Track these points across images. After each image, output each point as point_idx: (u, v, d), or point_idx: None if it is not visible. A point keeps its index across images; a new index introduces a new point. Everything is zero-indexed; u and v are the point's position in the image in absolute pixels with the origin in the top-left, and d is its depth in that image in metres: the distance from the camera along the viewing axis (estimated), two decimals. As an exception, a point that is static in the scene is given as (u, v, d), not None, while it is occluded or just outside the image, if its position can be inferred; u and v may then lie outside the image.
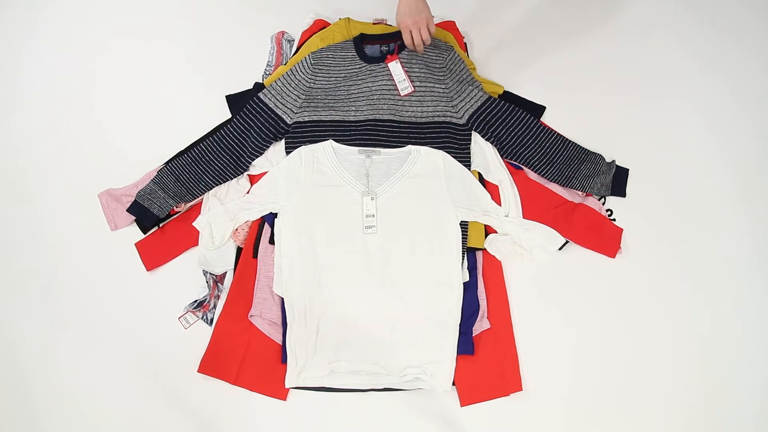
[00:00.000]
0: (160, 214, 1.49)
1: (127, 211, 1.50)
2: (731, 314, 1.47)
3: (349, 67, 1.54)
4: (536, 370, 1.40)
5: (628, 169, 1.57)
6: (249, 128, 1.51)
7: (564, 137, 1.55)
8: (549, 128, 1.55)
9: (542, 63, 1.74)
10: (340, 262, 1.40)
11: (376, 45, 1.58)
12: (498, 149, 1.53)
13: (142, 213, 1.49)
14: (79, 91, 1.73)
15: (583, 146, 1.56)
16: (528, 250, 1.47)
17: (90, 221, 1.55)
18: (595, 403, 1.39)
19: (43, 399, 1.40)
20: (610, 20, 1.82)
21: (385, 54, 1.57)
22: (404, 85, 1.50)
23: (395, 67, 1.51)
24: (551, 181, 1.53)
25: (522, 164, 1.54)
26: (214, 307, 1.46)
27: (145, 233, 1.54)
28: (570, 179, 1.52)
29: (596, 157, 1.55)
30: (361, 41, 1.56)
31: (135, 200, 1.49)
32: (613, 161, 1.56)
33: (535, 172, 1.53)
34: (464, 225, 1.45)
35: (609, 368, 1.41)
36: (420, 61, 1.53)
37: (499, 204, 1.51)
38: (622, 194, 1.56)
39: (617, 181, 1.55)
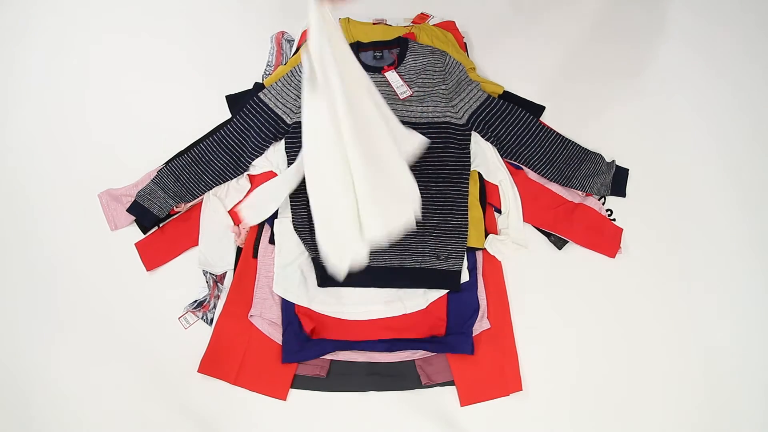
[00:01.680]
0: (160, 214, 1.49)
1: (126, 211, 1.50)
2: (731, 314, 1.46)
3: None
4: (536, 370, 1.40)
5: (628, 169, 1.57)
6: (249, 128, 1.51)
7: (564, 137, 1.55)
8: (549, 128, 1.55)
9: (542, 63, 1.74)
10: None
11: (370, 51, 1.58)
12: (498, 149, 1.53)
13: (142, 213, 1.49)
14: (78, 92, 1.72)
15: (582, 146, 1.56)
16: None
17: (90, 221, 1.55)
18: (595, 403, 1.38)
19: (43, 399, 1.40)
20: (611, 20, 1.82)
21: (379, 59, 1.57)
22: (402, 90, 1.50)
23: (392, 76, 1.52)
24: (551, 180, 1.53)
25: (522, 164, 1.54)
26: (214, 307, 1.46)
27: (145, 233, 1.54)
28: (570, 179, 1.52)
29: (596, 157, 1.55)
30: (356, 49, 1.57)
31: (135, 200, 1.49)
32: (613, 161, 1.57)
33: (535, 171, 1.53)
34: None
35: (609, 368, 1.41)
36: (418, 66, 1.53)
37: (499, 205, 1.52)
38: (622, 194, 1.56)
39: (617, 181, 1.55)
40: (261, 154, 1.52)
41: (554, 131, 1.55)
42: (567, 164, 1.52)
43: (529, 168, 1.54)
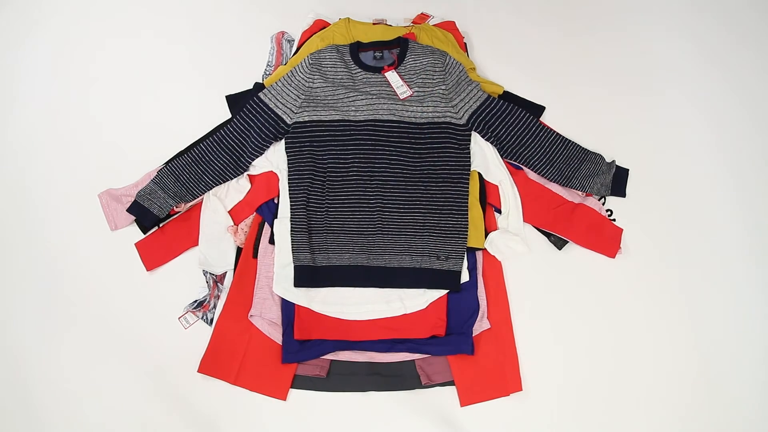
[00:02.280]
0: (160, 214, 1.49)
1: (127, 211, 1.50)
2: (730, 313, 1.46)
3: (346, 72, 1.54)
4: (536, 370, 1.40)
5: (628, 170, 1.57)
6: (249, 128, 1.51)
7: (564, 137, 1.55)
8: (549, 128, 1.55)
9: (542, 63, 1.74)
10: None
11: (370, 51, 1.58)
12: (498, 149, 1.53)
13: (142, 213, 1.49)
14: (79, 91, 1.73)
15: (582, 146, 1.56)
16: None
17: (90, 221, 1.55)
18: (595, 403, 1.38)
19: (43, 399, 1.40)
20: (611, 20, 1.82)
21: (379, 59, 1.57)
22: (402, 90, 1.50)
23: (392, 76, 1.52)
24: (551, 181, 1.53)
25: (522, 164, 1.54)
26: (214, 307, 1.46)
27: (145, 233, 1.54)
28: (570, 179, 1.52)
29: (596, 157, 1.55)
30: (356, 49, 1.57)
31: (135, 200, 1.49)
32: (613, 161, 1.57)
33: (535, 171, 1.53)
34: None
35: (609, 368, 1.41)
36: (418, 66, 1.53)
37: (499, 205, 1.52)
38: (622, 194, 1.56)
39: (617, 181, 1.55)
40: (261, 154, 1.52)
41: (554, 131, 1.55)
42: (567, 164, 1.52)
43: (529, 168, 1.54)
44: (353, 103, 1.50)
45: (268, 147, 1.52)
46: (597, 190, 1.54)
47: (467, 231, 1.46)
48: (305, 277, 1.42)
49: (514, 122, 1.52)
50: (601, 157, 1.56)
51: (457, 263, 1.44)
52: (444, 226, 1.45)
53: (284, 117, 1.50)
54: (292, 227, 1.45)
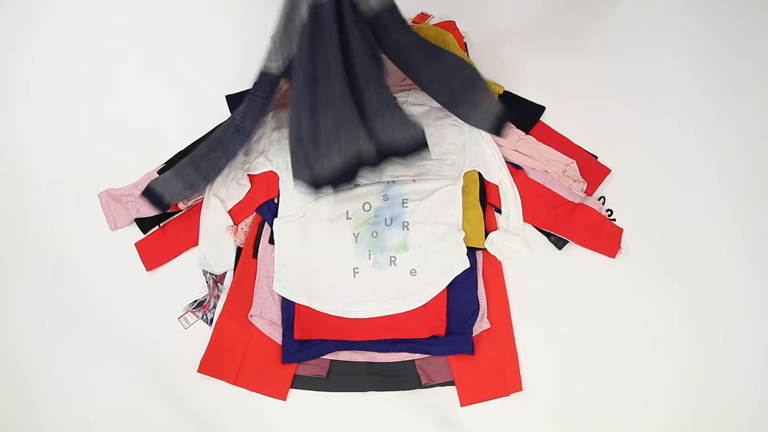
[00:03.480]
0: (172, 200, 1.47)
1: (140, 195, 1.47)
2: (730, 313, 1.46)
3: None
4: (537, 370, 1.40)
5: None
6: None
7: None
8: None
9: (542, 63, 1.74)
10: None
11: None
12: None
13: (156, 198, 1.46)
14: (78, 91, 1.73)
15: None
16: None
17: (90, 221, 1.55)
18: (595, 403, 1.39)
19: (43, 398, 1.41)
20: (610, 21, 1.82)
21: None
22: None
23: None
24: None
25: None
26: (214, 307, 1.47)
27: (144, 233, 1.54)
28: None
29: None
30: None
31: (148, 186, 1.47)
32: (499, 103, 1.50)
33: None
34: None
35: (609, 368, 1.41)
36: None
37: (499, 205, 1.52)
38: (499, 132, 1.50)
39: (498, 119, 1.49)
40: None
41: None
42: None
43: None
44: None
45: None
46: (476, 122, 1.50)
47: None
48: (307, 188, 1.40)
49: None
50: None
51: None
52: None
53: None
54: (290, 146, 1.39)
